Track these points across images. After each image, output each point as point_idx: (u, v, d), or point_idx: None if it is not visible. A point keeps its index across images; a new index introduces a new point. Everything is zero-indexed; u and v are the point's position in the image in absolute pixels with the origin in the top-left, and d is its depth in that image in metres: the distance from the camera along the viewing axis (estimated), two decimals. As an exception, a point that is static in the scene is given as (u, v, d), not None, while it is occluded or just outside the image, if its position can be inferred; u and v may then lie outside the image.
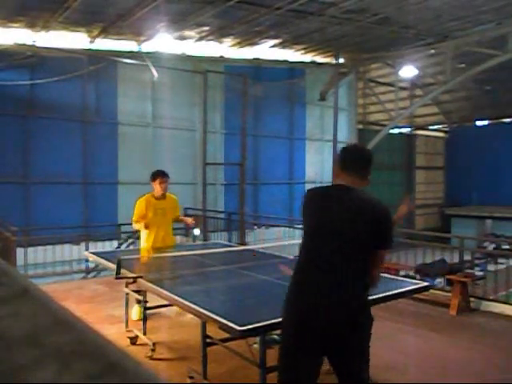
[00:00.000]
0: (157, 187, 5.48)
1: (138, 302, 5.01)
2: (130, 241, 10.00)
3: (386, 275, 4.43)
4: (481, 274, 7.52)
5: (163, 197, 5.52)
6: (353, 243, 2.35)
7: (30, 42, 10.28)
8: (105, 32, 10.68)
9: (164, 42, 11.18)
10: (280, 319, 2.62)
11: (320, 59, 14.87)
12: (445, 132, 23.20)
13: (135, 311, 5.26)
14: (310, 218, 2.51)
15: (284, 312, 2.41)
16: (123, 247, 9.76)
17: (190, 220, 5.80)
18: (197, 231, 9.91)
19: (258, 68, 13.68)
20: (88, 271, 9.47)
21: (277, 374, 2.41)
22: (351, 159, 2.60)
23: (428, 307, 5.80)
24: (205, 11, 9.75)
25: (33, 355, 0.33)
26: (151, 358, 4.13)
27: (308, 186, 16.18)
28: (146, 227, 5.30)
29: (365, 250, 2.36)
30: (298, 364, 2.33)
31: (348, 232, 2.35)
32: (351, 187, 2.47)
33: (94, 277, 9.02)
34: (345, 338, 2.30)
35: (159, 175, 5.48)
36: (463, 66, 13.47)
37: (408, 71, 13.80)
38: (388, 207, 2.45)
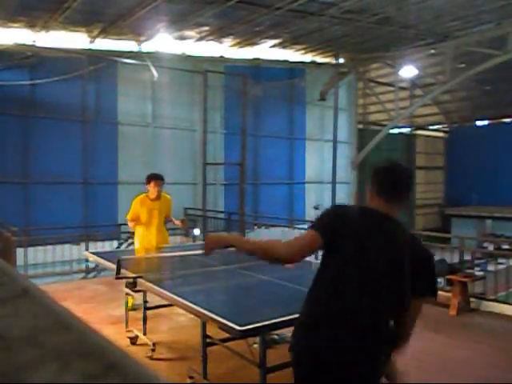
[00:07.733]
0: (151, 190, 5.63)
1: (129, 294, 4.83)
2: (130, 241, 10.00)
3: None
4: (481, 274, 7.52)
5: (158, 198, 5.63)
6: (396, 294, 1.92)
7: (29, 42, 10.27)
8: (105, 32, 10.68)
9: (164, 41, 11.18)
10: (279, 319, 2.63)
11: (320, 59, 14.86)
12: (445, 132, 23.19)
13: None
14: (344, 245, 1.99)
15: (295, 345, 2.02)
16: (123, 247, 9.77)
17: (177, 222, 5.85)
18: (197, 231, 9.91)
19: (257, 68, 13.67)
20: (88, 271, 9.46)
21: None
22: (394, 184, 2.07)
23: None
24: (205, 11, 9.75)
25: (33, 355, 0.34)
26: (151, 358, 4.14)
27: (308, 186, 16.15)
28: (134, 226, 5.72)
29: (404, 304, 1.95)
30: None
31: (393, 280, 1.92)
32: (393, 220, 2.04)
33: (94, 277, 9.01)
34: None
35: (153, 179, 5.62)
36: (463, 65, 13.46)
37: (408, 71, 13.79)
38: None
